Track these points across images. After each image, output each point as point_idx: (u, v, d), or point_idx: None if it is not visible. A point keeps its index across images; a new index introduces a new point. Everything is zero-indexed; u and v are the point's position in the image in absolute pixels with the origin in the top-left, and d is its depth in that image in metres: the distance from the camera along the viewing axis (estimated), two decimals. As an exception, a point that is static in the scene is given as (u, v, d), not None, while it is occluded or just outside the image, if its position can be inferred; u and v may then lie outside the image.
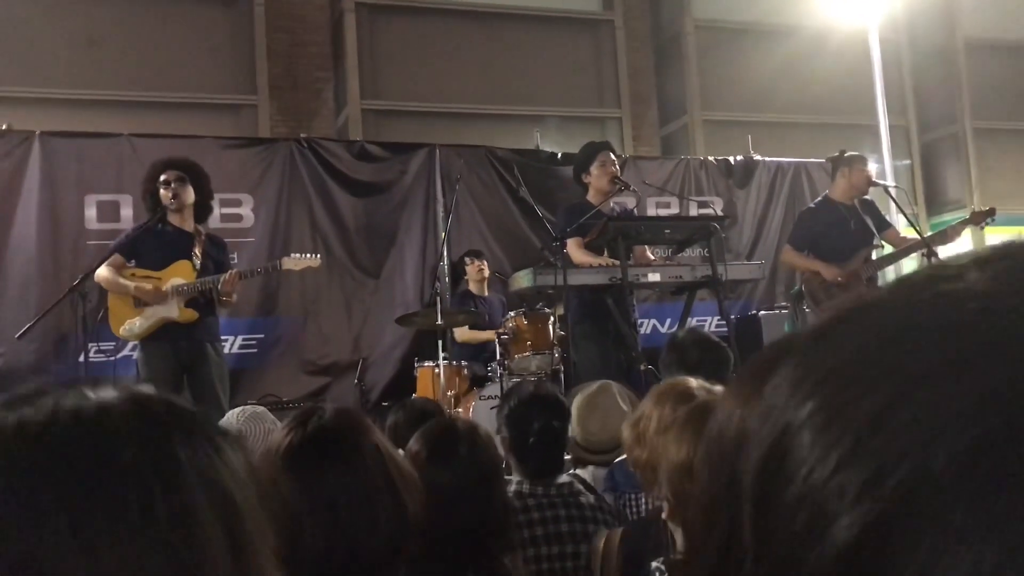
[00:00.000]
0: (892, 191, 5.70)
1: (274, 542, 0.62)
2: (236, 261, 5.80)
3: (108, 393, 0.58)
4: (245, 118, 7.71)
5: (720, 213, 6.82)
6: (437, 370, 4.98)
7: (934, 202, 9.84)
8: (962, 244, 5.61)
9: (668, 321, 6.96)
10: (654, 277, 4.81)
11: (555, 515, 2.29)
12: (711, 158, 7.82)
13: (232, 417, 2.43)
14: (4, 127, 5.92)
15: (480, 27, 8.33)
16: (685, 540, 1.47)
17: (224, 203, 6.02)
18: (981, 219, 5.35)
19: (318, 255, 5.05)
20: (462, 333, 5.80)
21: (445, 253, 6.33)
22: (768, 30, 8.83)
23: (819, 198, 5.79)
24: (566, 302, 4.57)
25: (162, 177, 4.60)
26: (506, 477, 3.06)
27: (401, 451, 1.76)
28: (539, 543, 2.25)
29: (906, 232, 5.78)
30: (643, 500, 2.52)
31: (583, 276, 4.65)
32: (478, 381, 5.42)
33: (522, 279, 4.87)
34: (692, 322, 5.38)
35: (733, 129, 8.58)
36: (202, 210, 4.80)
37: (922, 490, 0.31)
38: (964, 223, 5.36)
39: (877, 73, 8.12)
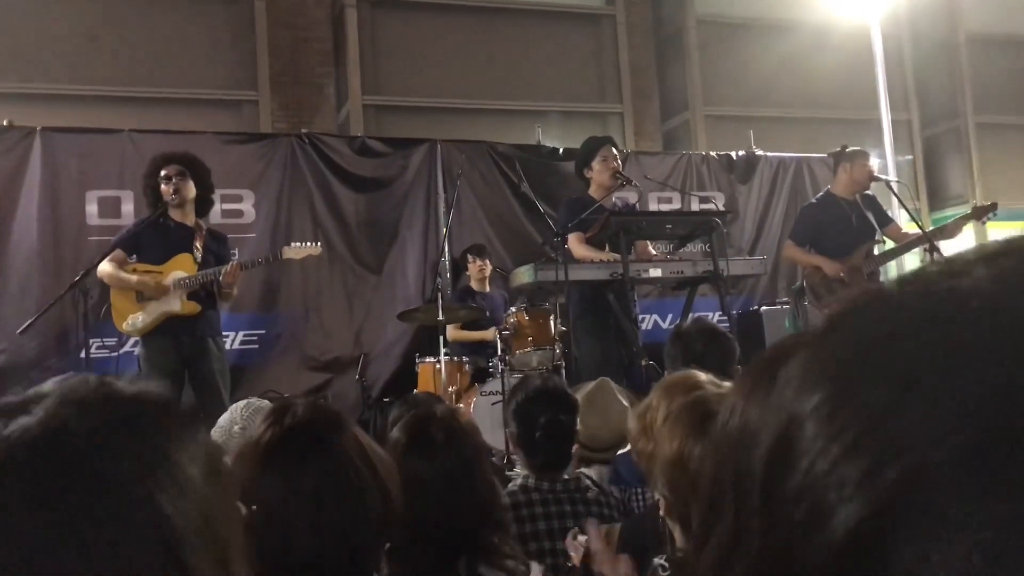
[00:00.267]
0: (894, 186, 5.70)
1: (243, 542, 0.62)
2: (237, 256, 5.80)
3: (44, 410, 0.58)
4: (246, 114, 7.71)
5: (722, 208, 6.81)
6: (438, 366, 4.99)
7: (936, 197, 9.83)
8: (964, 239, 5.61)
9: (669, 317, 6.96)
10: (655, 272, 4.81)
11: (560, 510, 2.30)
12: (713, 153, 7.81)
13: (236, 411, 2.43)
14: (5, 123, 5.92)
15: (481, 22, 8.32)
16: (695, 528, 1.47)
17: (225, 199, 6.02)
18: (983, 214, 5.35)
19: (318, 243, 5.05)
20: (452, 332, 5.77)
21: (446, 249, 6.33)
22: (770, 25, 8.82)
23: (821, 193, 5.79)
24: (567, 297, 4.57)
25: (163, 172, 4.61)
26: (513, 471, 3.06)
27: None
28: (542, 537, 2.25)
29: (908, 227, 5.78)
30: (649, 495, 2.52)
31: (584, 271, 4.65)
32: (479, 377, 5.42)
33: (523, 274, 4.87)
34: (694, 317, 5.37)
35: (735, 124, 8.58)
36: (203, 204, 4.80)
37: (920, 484, 0.32)
38: (966, 218, 5.35)
39: (879, 68, 8.10)
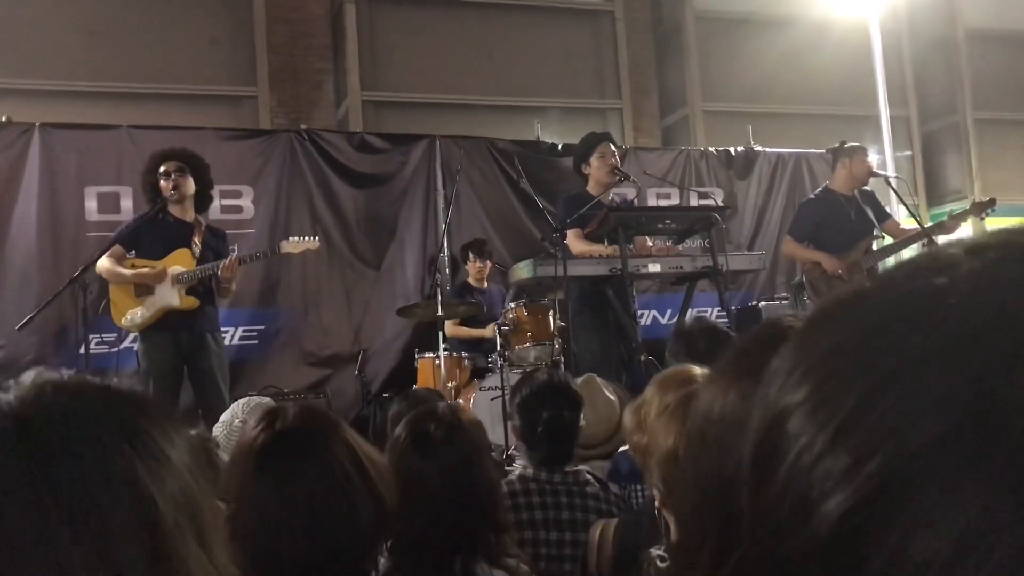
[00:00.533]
0: (893, 181, 5.70)
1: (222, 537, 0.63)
2: (236, 252, 5.80)
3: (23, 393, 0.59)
4: (245, 110, 7.70)
5: (720, 204, 6.81)
6: (438, 361, 4.99)
7: (935, 193, 9.83)
8: (962, 235, 5.60)
9: (668, 312, 6.96)
10: (654, 268, 4.81)
11: (556, 502, 2.30)
12: (712, 149, 7.81)
13: (237, 408, 2.44)
14: (4, 119, 5.91)
15: (480, 18, 8.31)
16: (681, 527, 1.47)
17: (224, 195, 6.03)
18: (982, 209, 5.35)
19: (316, 237, 5.05)
20: (450, 328, 5.75)
21: (445, 244, 6.33)
22: (769, 20, 8.81)
23: (819, 189, 5.79)
24: (566, 293, 4.57)
25: (162, 168, 4.61)
26: (512, 467, 3.06)
27: None
28: (537, 527, 2.25)
29: (907, 223, 5.78)
30: (649, 492, 2.53)
31: (583, 267, 4.66)
32: (479, 372, 5.43)
33: (522, 270, 4.88)
34: (693, 313, 5.38)
35: (734, 120, 8.57)
36: (202, 200, 4.80)
37: (900, 473, 0.32)
38: (965, 213, 5.36)
39: (878, 63, 8.10)
